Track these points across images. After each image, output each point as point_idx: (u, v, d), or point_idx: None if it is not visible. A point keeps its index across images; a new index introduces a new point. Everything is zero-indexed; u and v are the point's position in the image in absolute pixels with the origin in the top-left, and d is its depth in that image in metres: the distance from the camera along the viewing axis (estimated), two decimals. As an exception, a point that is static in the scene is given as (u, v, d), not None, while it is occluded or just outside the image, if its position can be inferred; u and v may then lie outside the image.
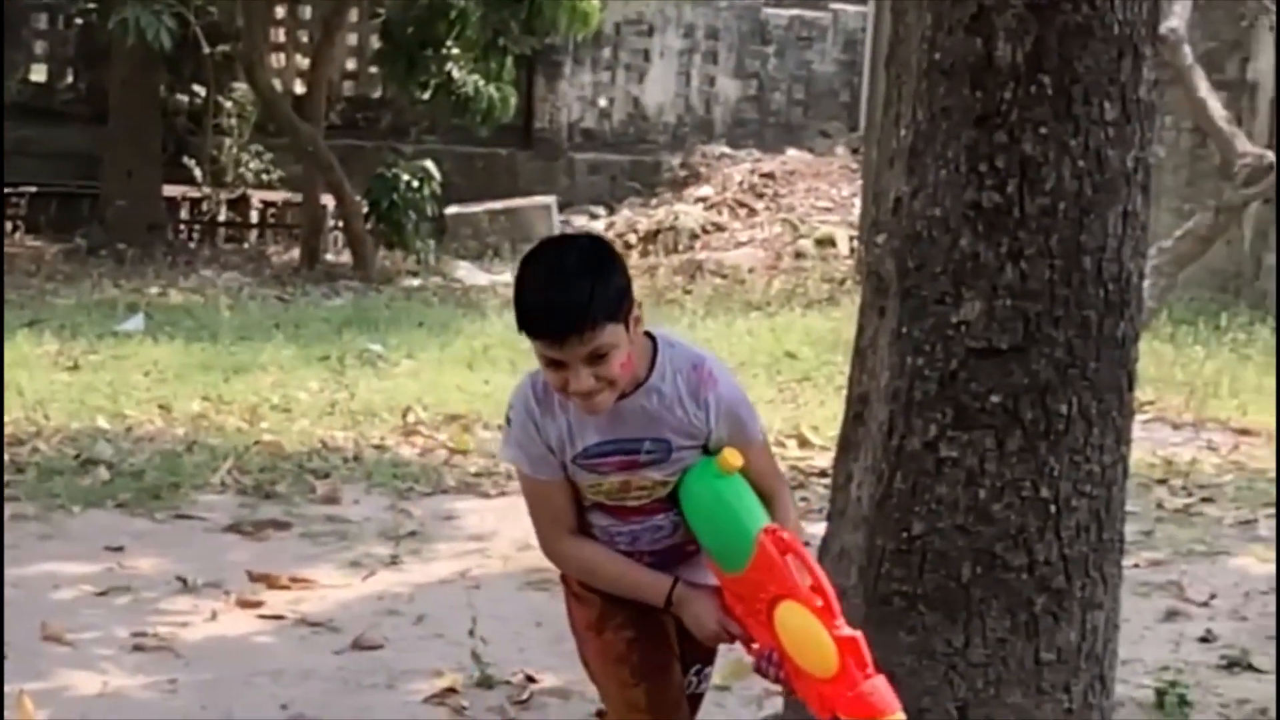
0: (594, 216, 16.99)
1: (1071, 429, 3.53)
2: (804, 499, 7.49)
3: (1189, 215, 10.76)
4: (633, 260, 15.72)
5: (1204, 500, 7.72)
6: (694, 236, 16.20)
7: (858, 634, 3.00)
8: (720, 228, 16.44)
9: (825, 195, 17.08)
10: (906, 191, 3.64)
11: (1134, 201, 3.58)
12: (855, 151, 17.34)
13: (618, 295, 3.07)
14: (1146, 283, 7.04)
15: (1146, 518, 7.20)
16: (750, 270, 15.20)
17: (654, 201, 17.19)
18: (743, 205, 16.82)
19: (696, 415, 3.17)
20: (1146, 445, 8.57)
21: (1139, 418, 9.14)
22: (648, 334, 3.20)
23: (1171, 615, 5.97)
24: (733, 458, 3.15)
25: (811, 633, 3.00)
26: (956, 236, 3.53)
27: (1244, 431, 9.23)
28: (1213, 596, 6.24)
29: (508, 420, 3.24)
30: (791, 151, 17.97)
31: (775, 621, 3.06)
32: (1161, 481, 8.06)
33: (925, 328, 3.58)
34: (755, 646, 3.15)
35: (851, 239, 15.38)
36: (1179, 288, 11.17)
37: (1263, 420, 9.32)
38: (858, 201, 15.59)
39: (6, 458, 7.37)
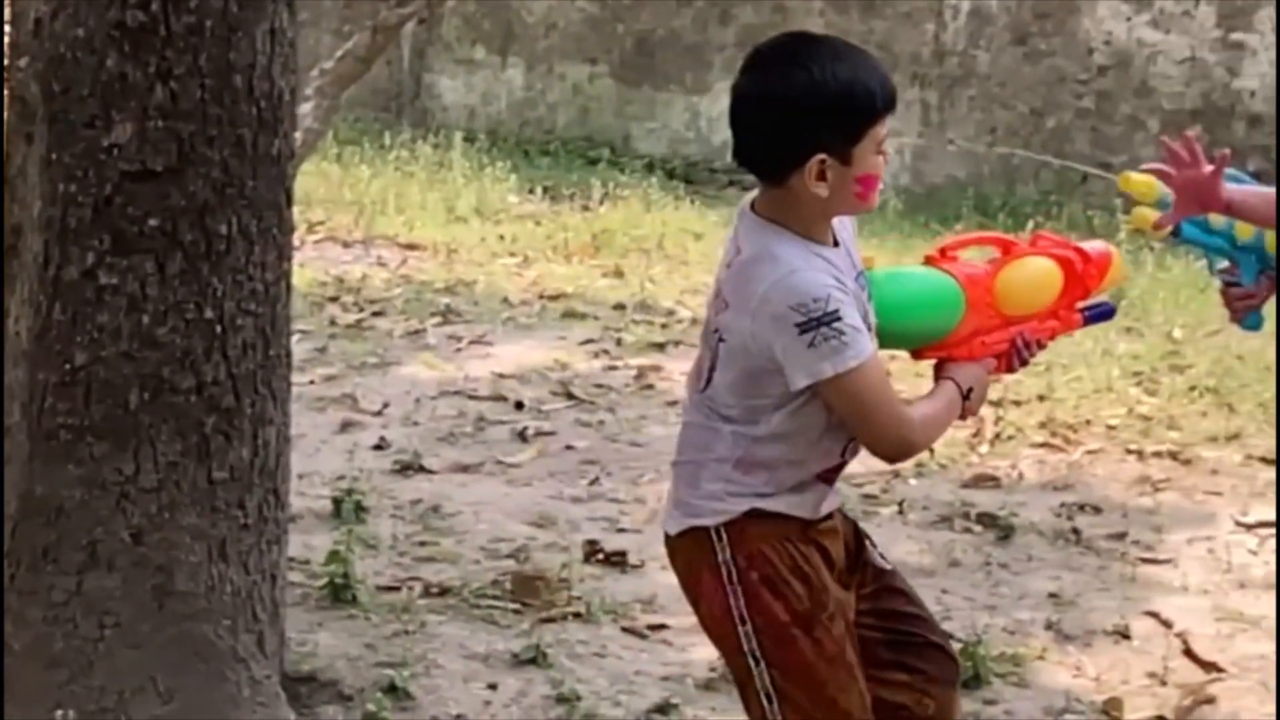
0: None
1: (232, 249, 3.53)
2: None
3: (349, 36, 10.89)
4: None
5: (375, 315, 7.96)
6: None
7: (1038, 232, 3.18)
8: None
9: None
10: (46, 11, 3.53)
11: (281, 18, 3.59)
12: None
13: None
14: (310, 105, 7.15)
15: (320, 335, 7.35)
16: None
17: None
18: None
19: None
20: (319, 265, 8.75)
21: (311, 238, 9.34)
22: None
23: (346, 426, 6.15)
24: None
25: (1024, 273, 3.04)
26: (103, 57, 3.44)
27: (411, 246, 9.57)
28: (385, 405, 6.48)
29: (826, 321, 2.69)
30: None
31: (1001, 304, 3.00)
32: (334, 299, 8.25)
33: (76, 153, 3.48)
34: (1004, 357, 3.05)
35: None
36: (343, 109, 11.32)
37: (427, 235, 9.69)
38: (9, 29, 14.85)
39: None
